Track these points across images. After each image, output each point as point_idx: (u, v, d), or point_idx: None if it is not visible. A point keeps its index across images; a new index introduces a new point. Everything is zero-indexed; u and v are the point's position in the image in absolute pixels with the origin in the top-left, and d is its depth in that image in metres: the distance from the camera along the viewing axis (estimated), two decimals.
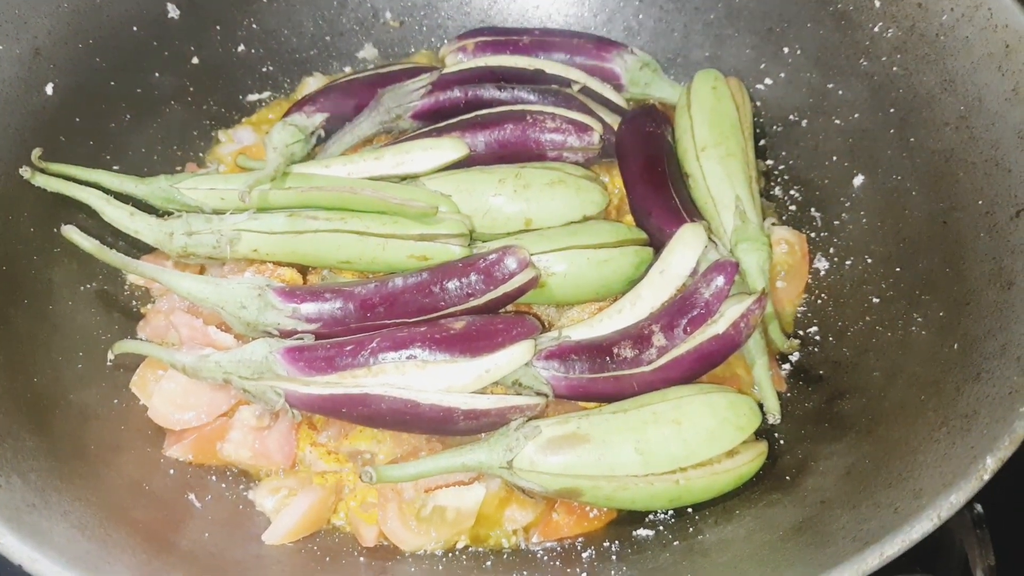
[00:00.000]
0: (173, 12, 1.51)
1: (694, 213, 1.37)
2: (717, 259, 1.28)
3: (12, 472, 0.99)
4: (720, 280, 1.23)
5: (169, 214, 1.35)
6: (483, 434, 1.19)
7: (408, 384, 1.16)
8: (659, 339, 1.22)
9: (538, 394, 1.21)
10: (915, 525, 0.91)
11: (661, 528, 1.18)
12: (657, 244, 1.36)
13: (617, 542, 1.17)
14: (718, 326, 1.21)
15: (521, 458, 1.12)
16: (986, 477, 0.94)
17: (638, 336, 1.23)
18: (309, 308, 1.23)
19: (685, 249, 1.31)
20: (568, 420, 1.16)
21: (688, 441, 1.14)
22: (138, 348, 1.24)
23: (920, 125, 1.33)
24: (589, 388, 1.22)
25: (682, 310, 1.23)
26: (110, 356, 1.22)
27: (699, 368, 1.24)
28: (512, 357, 1.18)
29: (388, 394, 1.14)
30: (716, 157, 1.42)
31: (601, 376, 1.21)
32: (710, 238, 1.32)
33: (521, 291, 1.26)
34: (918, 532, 0.91)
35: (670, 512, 1.19)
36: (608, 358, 1.22)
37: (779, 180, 1.57)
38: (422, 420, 1.16)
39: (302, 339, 1.22)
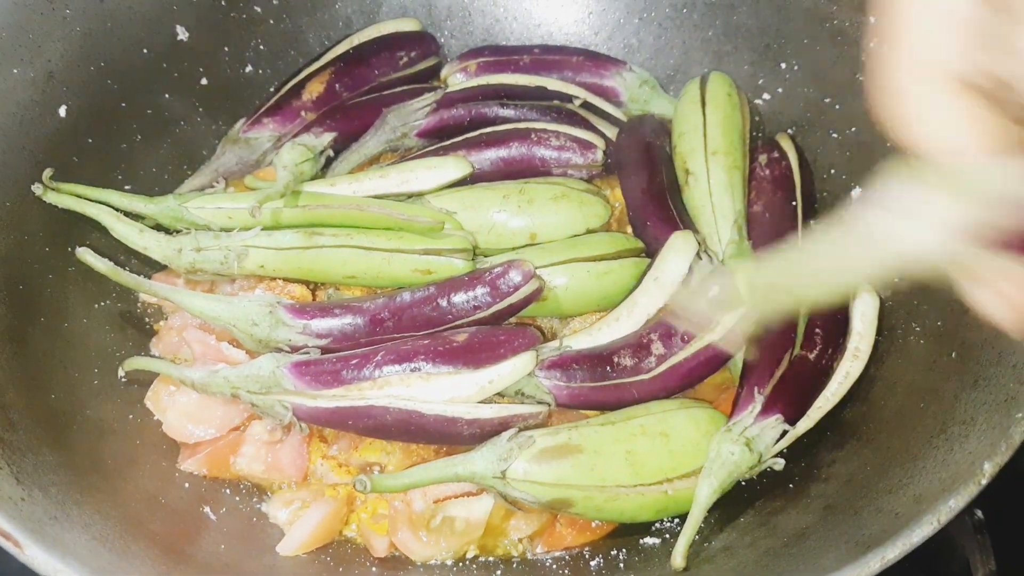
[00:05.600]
0: (182, 34, 1.53)
1: (689, 224, 1.39)
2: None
3: (34, 486, 1.00)
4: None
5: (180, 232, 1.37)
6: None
7: (413, 396, 1.17)
8: (658, 348, 1.25)
9: (540, 403, 1.23)
10: (915, 529, 0.93)
11: (667, 536, 1.20)
12: (654, 253, 1.37)
13: (624, 550, 1.19)
14: (714, 335, 1.24)
15: (515, 468, 1.13)
16: (984, 482, 0.95)
17: (637, 345, 1.26)
18: (319, 324, 1.25)
19: (677, 255, 1.32)
20: (559, 432, 1.17)
21: (675, 452, 1.17)
22: (148, 365, 1.25)
23: None
24: (590, 396, 1.24)
25: (679, 319, 1.26)
26: (121, 372, 1.24)
27: (696, 376, 1.26)
28: (515, 368, 1.20)
29: (393, 405, 1.16)
30: (725, 165, 1.43)
31: (602, 385, 1.23)
32: (699, 252, 1.33)
33: (526, 303, 1.28)
34: (918, 536, 0.92)
35: (676, 520, 1.21)
36: (608, 367, 1.24)
37: None
38: (427, 430, 1.17)
39: (308, 353, 1.24)
